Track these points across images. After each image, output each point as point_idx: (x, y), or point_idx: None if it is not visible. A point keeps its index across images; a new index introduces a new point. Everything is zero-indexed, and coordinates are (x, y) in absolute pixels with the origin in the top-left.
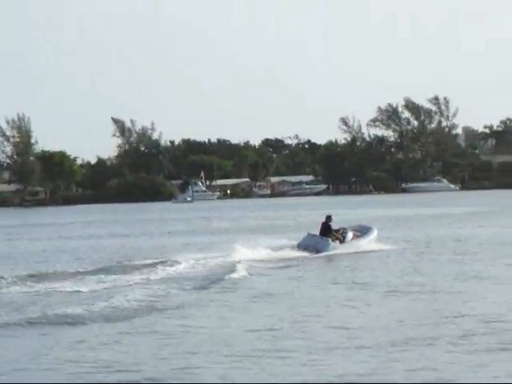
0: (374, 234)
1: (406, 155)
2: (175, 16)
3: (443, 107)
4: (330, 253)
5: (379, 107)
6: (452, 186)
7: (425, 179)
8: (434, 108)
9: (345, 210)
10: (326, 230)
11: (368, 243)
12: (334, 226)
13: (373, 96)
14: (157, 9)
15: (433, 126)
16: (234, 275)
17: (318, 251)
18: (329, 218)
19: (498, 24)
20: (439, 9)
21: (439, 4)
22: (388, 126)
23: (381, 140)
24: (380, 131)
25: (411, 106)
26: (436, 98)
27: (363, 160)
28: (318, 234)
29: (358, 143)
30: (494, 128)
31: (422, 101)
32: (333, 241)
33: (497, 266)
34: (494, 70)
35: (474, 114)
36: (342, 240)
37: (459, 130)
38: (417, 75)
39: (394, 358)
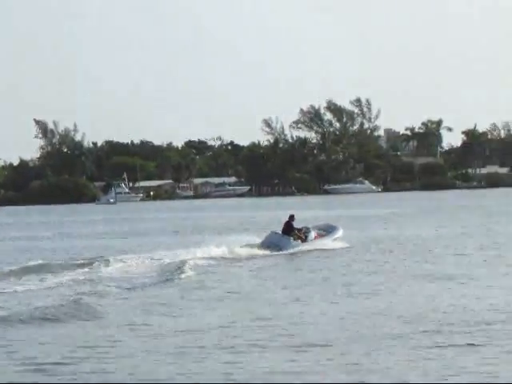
0: (339, 233)
1: (329, 157)
2: (89, 14)
3: (365, 109)
4: (291, 251)
5: (302, 109)
6: (374, 187)
7: (347, 181)
8: (356, 110)
9: (267, 211)
10: (289, 228)
11: (331, 242)
12: (298, 225)
13: (295, 98)
14: (69, 6)
15: (355, 127)
16: (181, 275)
17: (279, 249)
18: (292, 217)
19: (416, 26)
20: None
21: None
22: (310, 128)
23: (303, 142)
24: (302, 133)
25: (333, 108)
26: (358, 100)
27: (286, 161)
28: (280, 232)
29: (281, 145)
30: (416, 130)
31: (345, 103)
32: (294, 240)
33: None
34: (415, 72)
35: (395, 116)
36: (304, 239)
37: (381, 132)
38: (339, 77)
39: (317, 358)
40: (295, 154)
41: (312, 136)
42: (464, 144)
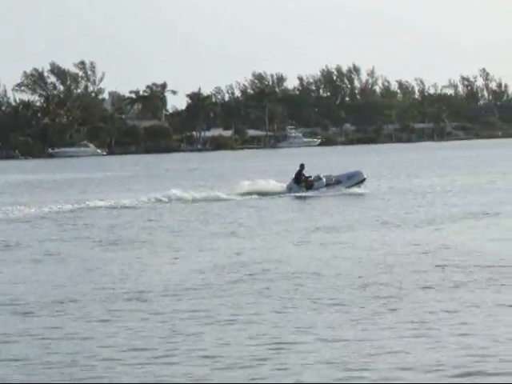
0: (355, 180)
1: (53, 120)
2: None
3: (90, 72)
4: (295, 194)
5: (25, 72)
6: (99, 150)
7: (72, 144)
8: (80, 73)
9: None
10: (298, 176)
11: (339, 189)
12: (310, 173)
13: (18, 60)
14: None
15: (79, 90)
16: None
17: (291, 192)
18: (302, 166)
19: None
20: None
21: None
22: (34, 91)
23: (27, 105)
24: (26, 96)
25: (57, 71)
26: (82, 63)
27: (9, 125)
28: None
29: (4, 108)
30: (140, 93)
31: (69, 65)
32: (301, 187)
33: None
34: (140, 36)
35: (120, 78)
36: (310, 186)
37: (106, 95)
38: (63, 40)
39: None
40: (18, 117)
41: (36, 99)
42: (189, 107)
